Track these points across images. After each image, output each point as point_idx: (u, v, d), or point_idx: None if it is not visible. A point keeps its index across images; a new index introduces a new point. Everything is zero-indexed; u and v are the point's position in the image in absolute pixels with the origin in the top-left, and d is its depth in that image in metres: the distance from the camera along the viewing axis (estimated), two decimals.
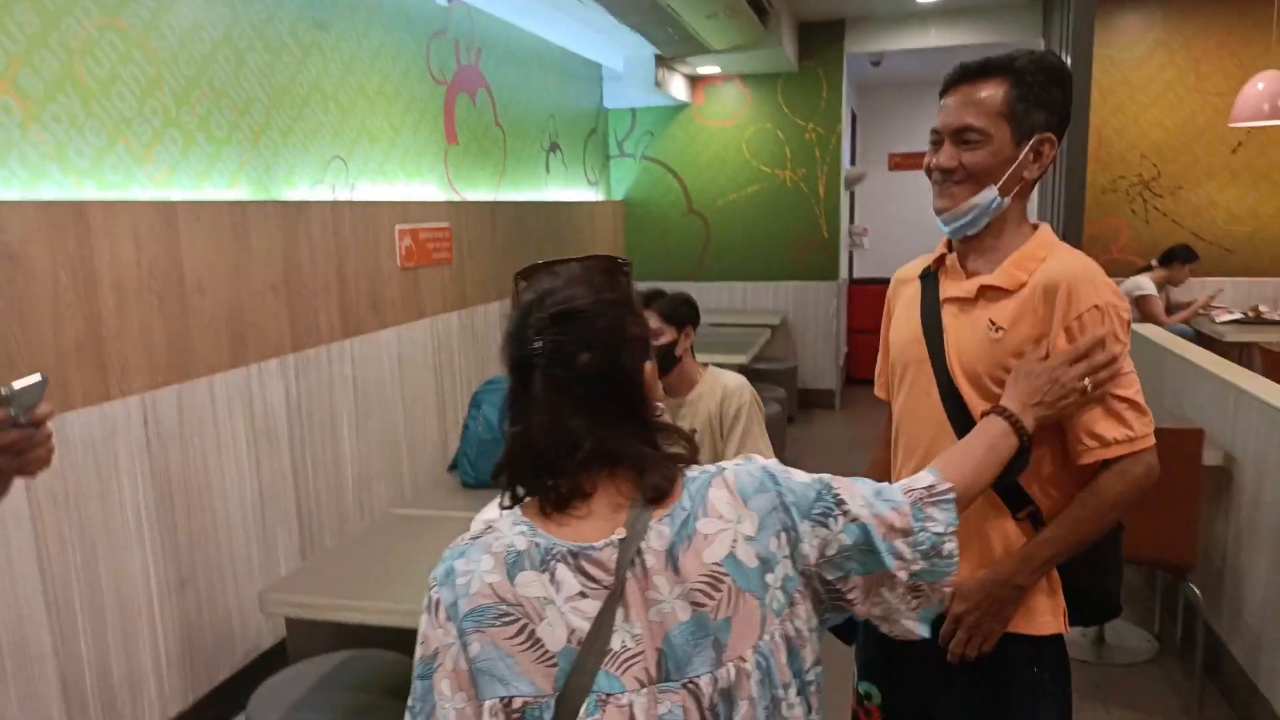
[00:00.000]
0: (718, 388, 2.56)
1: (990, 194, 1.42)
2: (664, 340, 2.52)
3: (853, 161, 8.38)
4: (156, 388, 2.59)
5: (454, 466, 2.72)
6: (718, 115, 6.73)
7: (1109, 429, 1.37)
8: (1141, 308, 5.56)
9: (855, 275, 8.56)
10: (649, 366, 1.05)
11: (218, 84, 2.88)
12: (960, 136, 1.43)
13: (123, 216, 2.48)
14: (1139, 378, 1.41)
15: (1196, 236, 6.15)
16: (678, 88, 6.35)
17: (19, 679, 2.19)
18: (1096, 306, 1.36)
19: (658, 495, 0.97)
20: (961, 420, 1.44)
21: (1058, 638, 1.46)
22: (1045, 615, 1.45)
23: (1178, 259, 5.68)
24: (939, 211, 1.48)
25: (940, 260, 1.55)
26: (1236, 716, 2.75)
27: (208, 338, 2.79)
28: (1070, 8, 5.15)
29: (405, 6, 3.92)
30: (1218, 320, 5.46)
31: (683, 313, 2.55)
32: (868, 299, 7.72)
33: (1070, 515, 1.40)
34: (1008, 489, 1.43)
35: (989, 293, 1.44)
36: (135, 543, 2.53)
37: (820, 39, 6.46)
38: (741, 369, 5.81)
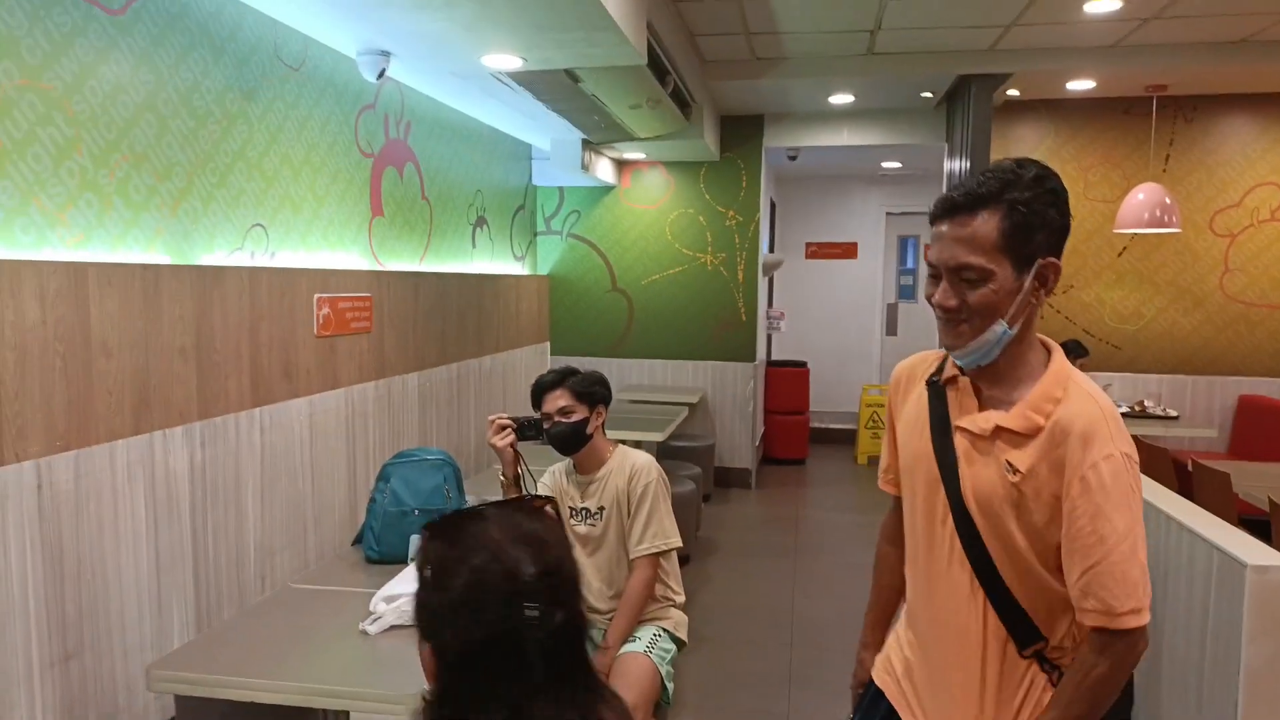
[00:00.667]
0: (626, 465, 2.62)
1: (999, 328, 1.39)
2: (576, 418, 2.57)
3: (771, 248, 8.68)
4: (54, 452, 2.52)
5: (359, 540, 2.70)
6: (643, 198, 6.94)
7: (1117, 596, 1.31)
8: None
9: (773, 357, 8.79)
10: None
11: (139, 148, 2.89)
12: (959, 275, 1.39)
13: (29, 276, 2.45)
14: None
15: (1087, 333, 6.53)
16: (604, 170, 6.54)
17: None
18: (1108, 457, 1.33)
19: None
20: (973, 547, 1.44)
21: None
22: None
23: (1070, 354, 5.98)
24: (949, 349, 1.46)
25: (952, 379, 1.52)
26: None
27: (111, 402, 2.74)
28: (970, 116, 5.52)
29: (335, 80, 4.00)
30: None
31: (596, 392, 2.62)
32: (784, 381, 7.93)
33: (1065, 709, 1.36)
34: (1015, 623, 1.42)
35: (1005, 434, 1.41)
36: (19, 612, 2.43)
37: (740, 131, 6.76)
38: (659, 446, 5.89)
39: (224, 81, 3.27)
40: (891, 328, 9.70)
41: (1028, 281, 1.38)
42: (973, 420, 1.45)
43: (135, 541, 2.84)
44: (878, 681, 1.72)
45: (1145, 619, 1.33)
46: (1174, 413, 5.78)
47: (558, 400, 2.58)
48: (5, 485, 2.38)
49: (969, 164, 5.61)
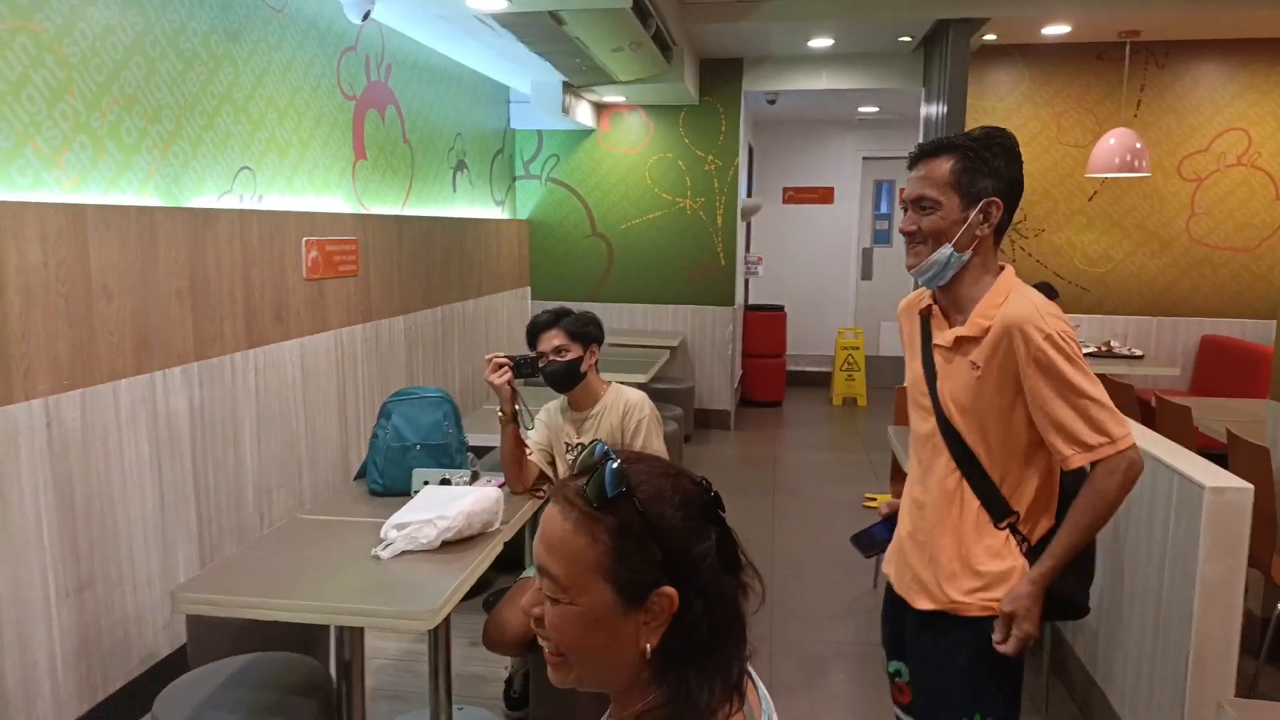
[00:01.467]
0: (620, 401, 2.73)
1: (945, 250, 1.68)
2: (570, 356, 2.67)
3: (749, 193, 8.73)
4: (60, 391, 2.59)
5: (361, 475, 2.79)
6: (622, 142, 6.95)
7: (1088, 435, 1.61)
8: None
9: (750, 302, 8.90)
10: None
11: (129, 91, 2.90)
12: (918, 205, 1.71)
13: (32, 218, 2.48)
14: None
15: (1057, 275, 6.68)
16: (584, 114, 6.54)
17: None
18: (1047, 338, 1.61)
19: None
20: (955, 444, 1.74)
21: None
22: (982, 613, 1.74)
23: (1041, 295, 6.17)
24: (909, 268, 1.75)
25: (929, 308, 1.83)
26: (1078, 709, 3.05)
27: (112, 343, 2.79)
28: (948, 61, 5.58)
29: (318, 21, 3.98)
30: None
31: (589, 331, 2.71)
32: (761, 324, 8.05)
33: (1075, 518, 1.65)
34: (991, 502, 1.71)
35: (964, 343, 1.71)
36: (35, 546, 2.51)
37: (720, 75, 6.76)
38: (641, 388, 6.00)
39: (209, 23, 3.26)
40: (866, 272, 9.83)
41: (973, 214, 1.67)
42: (942, 336, 1.76)
43: (140, 478, 2.92)
44: (885, 571, 1.99)
45: (1126, 443, 1.62)
46: (1139, 352, 5.97)
47: (553, 339, 2.67)
48: (17, 423, 2.44)
49: (945, 109, 5.68)
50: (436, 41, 5.06)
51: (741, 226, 7.49)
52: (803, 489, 5.72)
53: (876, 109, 8.54)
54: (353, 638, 2.19)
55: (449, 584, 2.01)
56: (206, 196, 3.30)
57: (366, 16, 3.95)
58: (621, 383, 2.90)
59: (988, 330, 1.66)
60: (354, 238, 4.28)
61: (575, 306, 2.89)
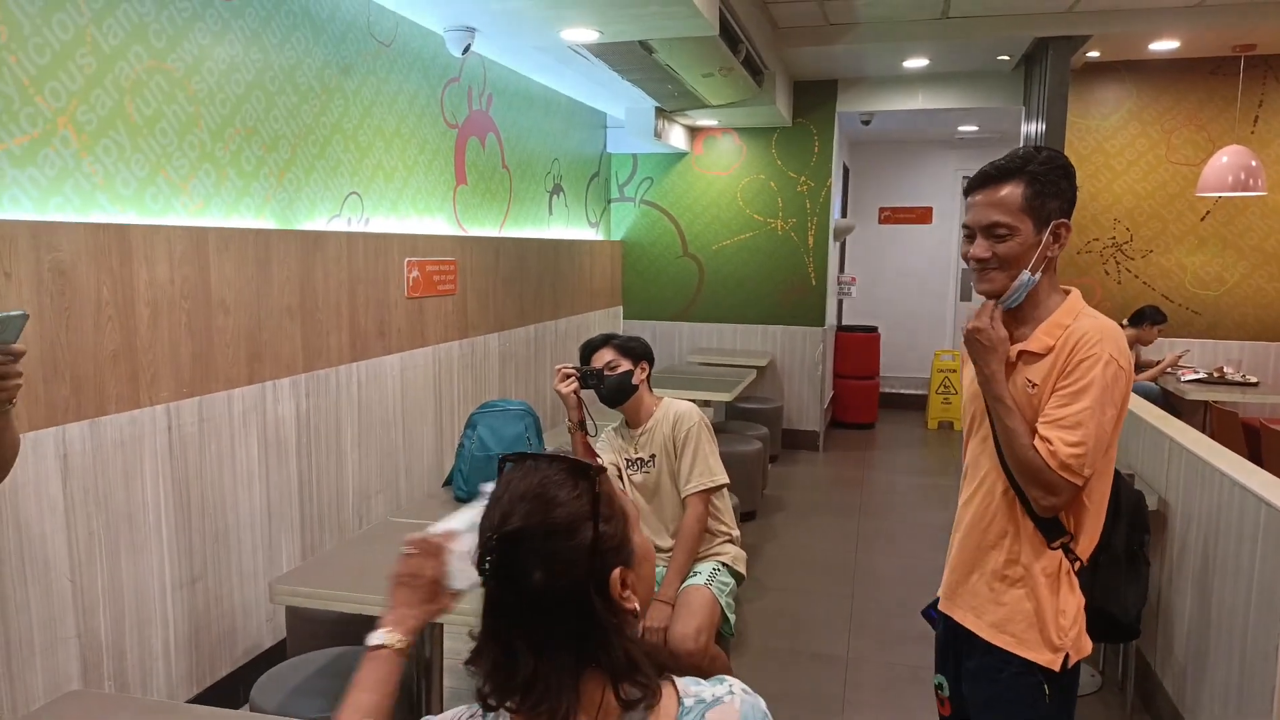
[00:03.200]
0: (670, 414, 2.85)
1: (1025, 276, 1.70)
2: (621, 370, 2.80)
3: (844, 213, 8.70)
4: (181, 398, 2.83)
5: (449, 482, 2.95)
6: (714, 165, 7.05)
7: (1060, 446, 1.63)
8: None
9: (844, 322, 8.84)
10: (617, 574, 0.99)
11: (249, 122, 3.15)
12: (991, 231, 1.70)
13: (160, 240, 2.74)
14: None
15: (1166, 298, 6.43)
16: (677, 137, 6.67)
17: (45, 656, 2.40)
18: (1095, 356, 1.63)
19: None
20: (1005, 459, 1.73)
21: (1054, 671, 1.74)
22: (1044, 651, 1.74)
23: (1147, 319, 5.96)
24: (983, 294, 1.76)
25: None
26: None
27: (229, 354, 3.03)
28: (1047, 79, 5.48)
29: (423, 55, 4.23)
30: (1182, 379, 5.72)
31: (637, 348, 2.87)
32: (854, 345, 8.00)
33: (1017, 419, 1.69)
34: (1045, 521, 1.72)
35: (1026, 356, 1.73)
36: (154, 539, 2.75)
37: (813, 97, 6.80)
38: (727, 407, 6.06)
39: (323, 59, 3.52)
40: (966, 293, 9.63)
41: (1045, 237, 1.69)
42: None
43: (250, 480, 3.15)
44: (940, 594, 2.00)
45: (1075, 482, 1.62)
46: (1254, 379, 5.69)
47: (604, 356, 2.82)
48: (142, 426, 2.69)
49: (1044, 127, 5.57)
50: (535, 71, 5.28)
51: (834, 247, 7.48)
52: (890, 512, 5.66)
53: (976, 128, 8.40)
54: (433, 635, 2.32)
55: None
56: (317, 220, 3.54)
57: (467, 50, 4.18)
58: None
59: (1051, 349, 1.68)
60: (453, 258, 4.50)
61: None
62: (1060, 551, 1.74)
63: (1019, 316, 1.76)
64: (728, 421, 6.14)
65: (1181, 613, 2.89)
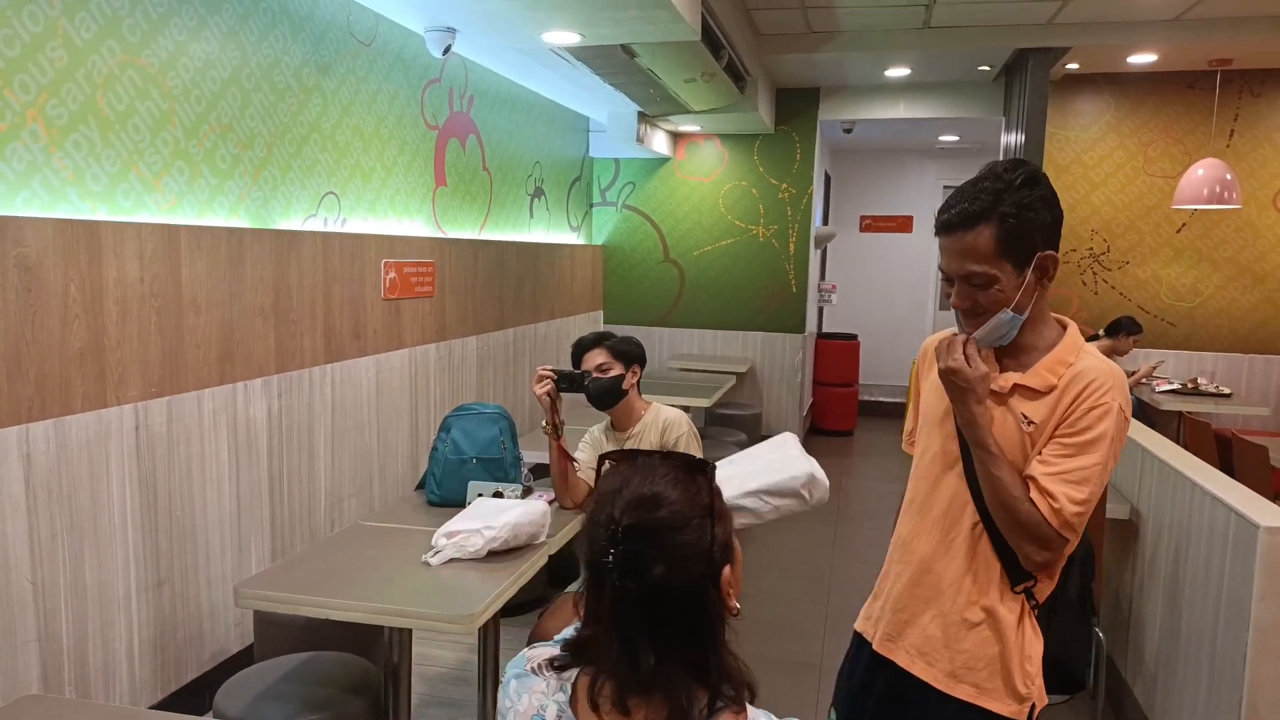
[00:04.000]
0: (659, 420, 2.82)
1: (1006, 315, 1.54)
2: (613, 374, 2.76)
3: (825, 221, 8.73)
4: (149, 398, 2.79)
5: (421, 485, 2.92)
6: (697, 171, 7.05)
7: (1061, 500, 1.50)
8: None
9: (824, 330, 8.86)
10: (728, 571, 1.03)
11: (225, 120, 3.12)
12: (969, 281, 1.54)
13: (130, 237, 2.70)
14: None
15: (1141, 309, 6.49)
16: (659, 143, 6.67)
17: (3, 660, 2.35)
18: (1103, 403, 1.50)
19: None
20: (982, 495, 1.59)
21: None
22: (1010, 701, 1.60)
23: (1123, 330, 6.00)
24: (970, 336, 1.60)
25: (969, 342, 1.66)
26: None
27: (199, 354, 2.99)
28: (1027, 90, 5.52)
29: (403, 56, 4.20)
30: (1157, 390, 5.76)
31: (631, 351, 2.82)
32: (834, 353, 8.01)
33: (1009, 470, 1.53)
34: (1012, 563, 1.58)
35: (1022, 391, 1.57)
36: (119, 540, 2.71)
37: (795, 104, 6.82)
38: (706, 412, 6.05)
39: (301, 57, 3.48)
40: (945, 302, 9.68)
41: (1029, 276, 1.53)
42: (994, 381, 1.59)
43: (219, 481, 3.11)
44: (859, 629, 1.85)
45: (1071, 540, 1.51)
46: (1227, 390, 5.75)
47: (596, 358, 2.77)
48: (109, 425, 2.64)
49: (1024, 138, 5.61)
50: (517, 74, 5.26)
51: (815, 254, 7.50)
52: (867, 517, 5.66)
53: (956, 138, 8.45)
54: (401, 640, 2.29)
55: (491, 591, 2.10)
56: (293, 219, 3.51)
57: (448, 50, 4.15)
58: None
59: (1052, 388, 1.54)
60: (431, 260, 4.47)
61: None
62: (1023, 595, 1.61)
63: (1010, 348, 1.61)
64: (707, 427, 6.13)
65: (1153, 621, 2.90)
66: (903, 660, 1.68)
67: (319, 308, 3.61)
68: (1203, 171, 5.60)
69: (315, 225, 3.64)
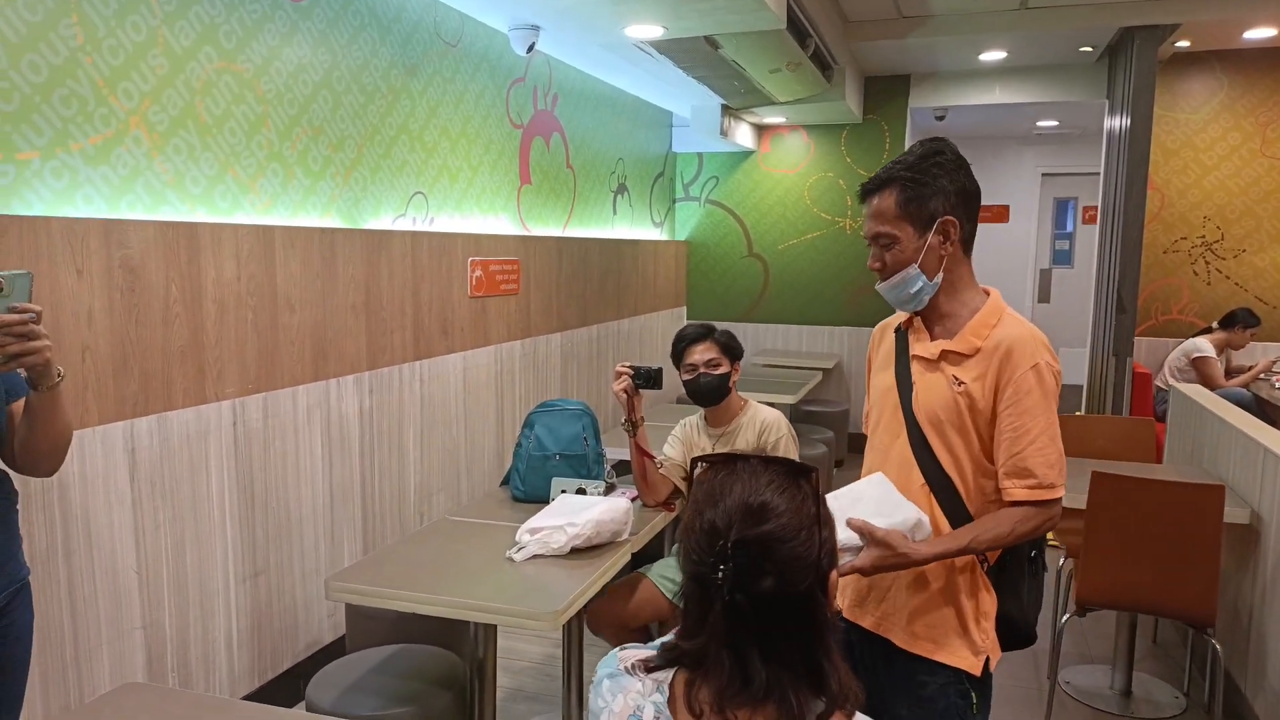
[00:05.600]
0: (757, 419, 2.75)
1: (913, 273, 1.69)
2: (721, 370, 2.72)
3: None
4: (246, 394, 2.87)
5: (506, 481, 2.93)
6: (782, 163, 6.94)
7: (1038, 473, 1.61)
8: (1199, 369, 5.55)
9: None
10: (834, 576, 1.03)
11: (316, 122, 3.19)
12: (877, 241, 1.72)
13: (228, 238, 2.78)
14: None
15: (1260, 301, 6.11)
16: (743, 135, 6.58)
17: (111, 648, 2.45)
18: (1034, 367, 1.62)
19: None
20: (927, 462, 1.71)
21: (975, 676, 1.69)
22: (965, 653, 1.68)
23: (1239, 323, 5.66)
24: (889, 302, 1.78)
25: (909, 321, 1.83)
26: None
27: (294, 351, 3.07)
28: (1132, 71, 5.24)
29: (488, 55, 4.24)
30: (1277, 386, 5.41)
31: (737, 347, 2.79)
32: None
33: (975, 535, 1.62)
34: (960, 524, 1.68)
35: (950, 356, 1.71)
36: (219, 532, 2.80)
37: (885, 92, 6.64)
38: (792, 408, 5.95)
39: (389, 59, 3.54)
40: (1044, 294, 9.32)
41: (930, 238, 1.68)
42: (924, 348, 1.75)
43: (313, 476, 3.18)
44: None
45: (1062, 492, 1.63)
46: None
47: (705, 353, 2.72)
48: (209, 421, 2.73)
49: (1130, 121, 5.33)
50: (600, 70, 5.26)
51: None
52: None
53: (1056, 123, 8.10)
54: (486, 635, 2.30)
55: (574, 588, 2.08)
56: (383, 219, 3.57)
57: (531, 48, 4.17)
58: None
59: (978, 350, 1.67)
60: (516, 258, 4.50)
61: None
62: (973, 555, 1.68)
63: (935, 314, 1.75)
64: (793, 424, 6.02)
65: (1276, 633, 2.71)
66: (868, 623, 1.78)
67: (408, 305, 3.67)
68: None
69: (404, 225, 3.69)
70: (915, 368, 1.76)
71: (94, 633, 2.40)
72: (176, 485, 2.64)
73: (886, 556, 1.58)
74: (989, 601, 1.70)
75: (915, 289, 1.70)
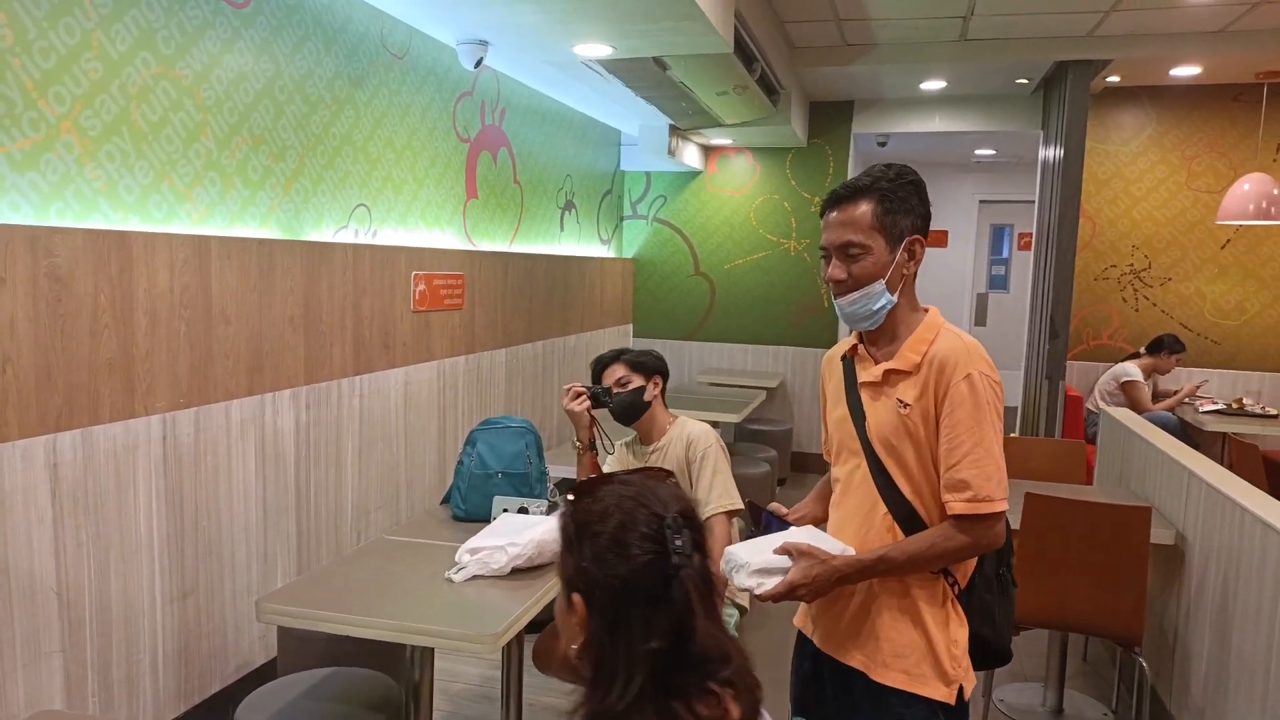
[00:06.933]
0: (684, 434, 2.77)
1: (879, 289, 1.68)
2: (633, 386, 2.74)
3: None
4: (177, 408, 2.79)
5: (446, 500, 2.89)
6: (728, 184, 7.01)
7: (975, 485, 1.60)
8: (1127, 393, 5.72)
9: None
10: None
11: (258, 131, 3.13)
12: (845, 251, 1.69)
13: (161, 248, 2.70)
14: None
15: (1184, 327, 6.33)
16: (691, 156, 6.63)
17: (27, 671, 2.34)
18: (967, 377, 1.62)
19: None
20: (887, 488, 1.70)
21: (950, 706, 1.68)
22: (939, 684, 1.67)
23: (1165, 348, 5.86)
24: (841, 313, 1.76)
25: (854, 349, 1.83)
26: None
27: (228, 365, 2.99)
28: (1066, 103, 5.42)
29: (436, 68, 4.21)
30: (1201, 410, 5.61)
31: (649, 362, 2.80)
32: None
33: (909, 550, 1.63)
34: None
35: (892, 376, 1.71)
36: (145, 551, 2.70)
37: (829, 118, 6.76)
38: (736, 428, 5.99)
39: (334, 69, 3.49)
40: (981, 317, 9.54)
41: (899, 254, 1.68)
42: (869, 373, 1.75)
43: (246, 493, 3.10)
44: (798, 624, 1.93)
45: (1002, 507, 1.61)
46: (1274, 411, 5.57)
47: (615, 373, 2.77)
48: (137, 435, 2.64)
49: (1063, 152, 5.50)
50: (549, 87, 5.26)
51: None
52: None
53: (993, 151, 8.33)
54: (422, 658, 2.25)
55: (514, 609, 2.06)
56: (324, 231, 3.51)
57: (479, 63, 4.15)
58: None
59: (918, 366, 1.67)
60: (461, 273, 4.46)
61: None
62: (941, 576, 1.69)
63: (879, 338, 1.76)
64: (736, 443, 6.06)
65: (1200, 653, 2.79)
66: (839, 654, 1.76)
67: (349, 319, 3.61)
68: (1248, 186, 5.45)
69: (346, 237, 3.64)
70: (864, 395, 1.76)
71: (8, 657, 2.30)
72: (101, 502, 2.54)
73: (812, 565, 1.59)
74: (960, 629, 1.69)
75: (878, 305, 1.69)
